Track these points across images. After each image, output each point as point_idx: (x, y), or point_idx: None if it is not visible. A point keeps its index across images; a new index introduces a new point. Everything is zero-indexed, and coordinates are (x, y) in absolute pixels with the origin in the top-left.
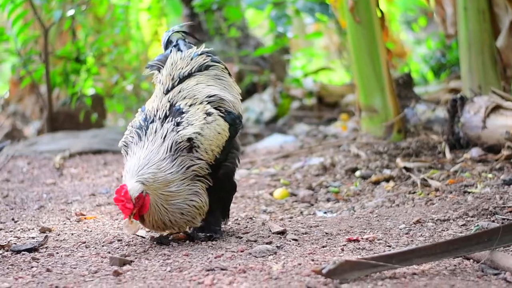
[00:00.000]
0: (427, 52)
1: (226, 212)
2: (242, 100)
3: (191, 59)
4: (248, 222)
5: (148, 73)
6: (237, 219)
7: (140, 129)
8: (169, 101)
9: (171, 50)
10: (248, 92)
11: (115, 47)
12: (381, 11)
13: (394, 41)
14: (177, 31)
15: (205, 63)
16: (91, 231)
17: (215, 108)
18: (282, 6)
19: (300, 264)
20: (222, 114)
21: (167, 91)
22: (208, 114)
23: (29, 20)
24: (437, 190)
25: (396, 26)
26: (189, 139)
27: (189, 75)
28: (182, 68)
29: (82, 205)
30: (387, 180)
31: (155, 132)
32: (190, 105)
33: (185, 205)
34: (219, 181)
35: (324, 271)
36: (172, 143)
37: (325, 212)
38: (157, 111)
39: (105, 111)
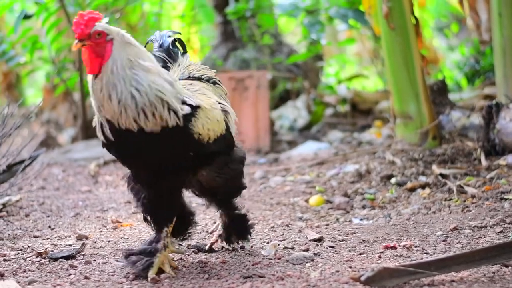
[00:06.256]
0: (461, 59)
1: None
2: (275, 107)
3: (202, 69)
4: (284, 229)
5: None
6: (273, 226)
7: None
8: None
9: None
10: (282, 99)
11: None
12: (415, 17)
13: (427, 47)
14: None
15: (214, 79)
16: (127, 238)
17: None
18: (315, 13)
19: (338, 271)
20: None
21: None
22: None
23: (63, 28)
24: (473, 197)
25: (429, 32)
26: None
27: (199, 79)
28: (194, 70)
29: (118, 213)
30: (423, 187)
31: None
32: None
33: (147, 84)
34: (228, 169)
35: (362, 279)
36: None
37: (361, 219)
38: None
39: None
